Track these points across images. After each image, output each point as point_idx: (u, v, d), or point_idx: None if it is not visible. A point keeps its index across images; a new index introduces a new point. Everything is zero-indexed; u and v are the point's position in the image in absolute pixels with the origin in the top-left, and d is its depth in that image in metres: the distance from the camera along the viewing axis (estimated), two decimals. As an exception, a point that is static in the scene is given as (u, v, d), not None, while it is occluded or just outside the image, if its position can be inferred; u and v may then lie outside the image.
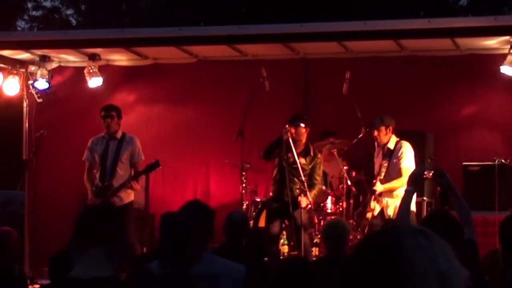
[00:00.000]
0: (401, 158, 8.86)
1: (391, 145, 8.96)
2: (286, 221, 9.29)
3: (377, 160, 9.17)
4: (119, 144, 9.33)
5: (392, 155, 8.93)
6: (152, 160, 8.98)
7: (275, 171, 9.43)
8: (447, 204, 5.06)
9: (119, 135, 9.39)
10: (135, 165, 9.31)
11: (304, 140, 9.29)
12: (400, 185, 8.60)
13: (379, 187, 8.89)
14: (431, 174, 4.70)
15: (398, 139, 9.00)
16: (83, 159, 9.46)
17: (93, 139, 9.49)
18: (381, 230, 1.87)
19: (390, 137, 8.98)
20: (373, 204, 8.98)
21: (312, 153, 9.30)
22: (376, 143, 9.17)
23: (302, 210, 9.03)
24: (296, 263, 4.74)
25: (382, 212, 8.96)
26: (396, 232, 1.79)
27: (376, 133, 8.97)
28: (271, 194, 9.58)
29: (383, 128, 8.92)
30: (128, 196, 9.19)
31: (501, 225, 4.88)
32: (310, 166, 9.26)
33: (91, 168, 9.41)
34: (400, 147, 8.90)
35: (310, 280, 4.42)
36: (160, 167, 9.09)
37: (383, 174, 8.91)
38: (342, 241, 6.75)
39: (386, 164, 8.88)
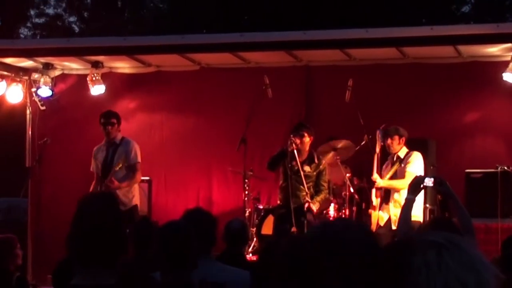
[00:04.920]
0: (408, 163, 8.93)
1: (401, 154, 9.06)
2: (294, 229, 9.19)
3: (385, 170, 9.16)
4: (115, 148, 9.43)
5: (401, 162, 9.00)
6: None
7: (281, 180, 9.43)
8: (448, 211, 5.07)
9: (118, 139, 9.49)
10: (130, 168, 9.35)
11: (307, 148, 9.30)
12: (401, 186, 8.66)
13: (378, 179, 8.94)
14: (431, 182, 4.69)
15: (408, 150, 9.08)
16: (91, 169, 9.60)
17: (95, 148, 9.63)
18: (393, 245, 1.76)
19: (401, 148, 9.07)
20: (376, 200, 9.00)
21: (316, 160, 9.30)
22: (389, 152, 9.16)
23: (314, 215, 8.98)
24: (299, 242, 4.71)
25: (389, 221, 8.92)
26: (406, 248, 1.68)
27: (389, 141, 9.04)
28: (278, 202, 9.56)
29: (396, 137, 9.03)
30: (130, 201, 9.25)
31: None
32: (315, 173, 9.27)
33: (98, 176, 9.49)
34: (410, 155, 9.01)
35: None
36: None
37: (387, 176, 8.97)
38: None
39: (395, 168, 8.93)
